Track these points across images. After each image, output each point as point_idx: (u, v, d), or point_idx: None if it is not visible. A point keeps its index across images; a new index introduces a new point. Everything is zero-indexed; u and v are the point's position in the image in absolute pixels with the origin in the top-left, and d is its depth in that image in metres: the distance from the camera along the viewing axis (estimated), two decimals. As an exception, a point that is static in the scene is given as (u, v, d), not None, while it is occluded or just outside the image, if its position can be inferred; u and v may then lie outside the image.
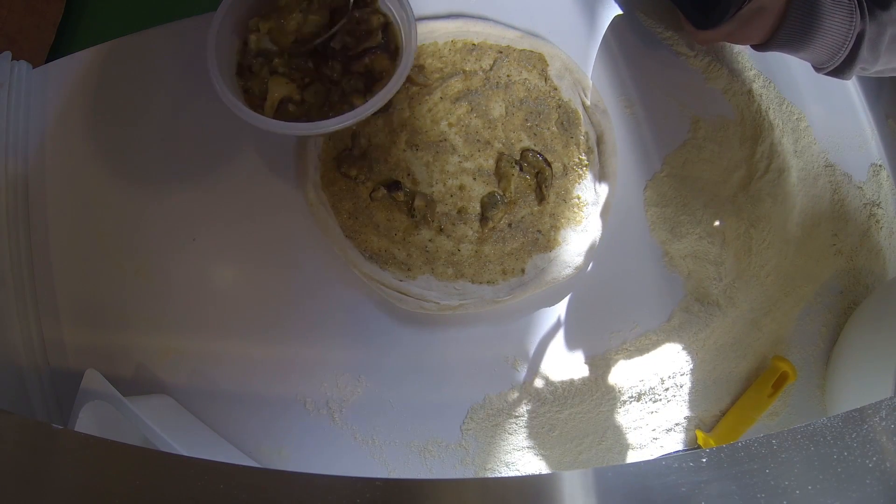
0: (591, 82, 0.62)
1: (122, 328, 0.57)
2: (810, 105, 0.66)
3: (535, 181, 0.59)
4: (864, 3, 0.52)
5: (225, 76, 0.52)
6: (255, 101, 0.55)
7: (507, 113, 0.61)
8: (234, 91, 0.53)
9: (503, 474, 0.55)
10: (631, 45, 0.65)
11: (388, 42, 0.56)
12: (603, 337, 0.58)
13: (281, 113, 0.54)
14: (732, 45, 0.65)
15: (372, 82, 0.55)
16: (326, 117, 0.51)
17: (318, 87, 0.55)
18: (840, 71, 0.55)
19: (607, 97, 0.62)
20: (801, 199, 0.63)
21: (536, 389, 0.57)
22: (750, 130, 0.63)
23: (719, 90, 0.65)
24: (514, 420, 0.56)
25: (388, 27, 0.56)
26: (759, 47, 0.57)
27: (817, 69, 0.57)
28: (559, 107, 0.61)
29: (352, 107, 0.53)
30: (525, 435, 0.56)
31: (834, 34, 0.52)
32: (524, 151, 0.60)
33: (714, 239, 0.60)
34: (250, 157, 0.61)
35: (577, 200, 0.60)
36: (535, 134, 0.61)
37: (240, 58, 0.56)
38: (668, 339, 0.58)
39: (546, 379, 0.57)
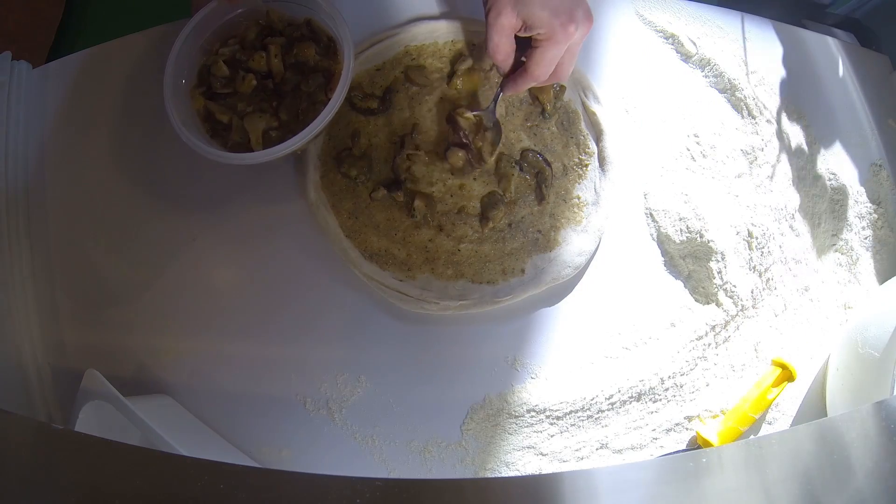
0: (591, 82, 0.62)
1: (122, 328, 0.57)
2: (810, 105, 0.66)
3: (535, 181, 0.59)
4: None
5: (188, 122, 0.55)
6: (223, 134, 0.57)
7: (507, 113, 0.61)
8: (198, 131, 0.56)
9: (503, 474, 0.55)
10: (631, 45, 0.65)
11: (317, 36, 0.58)
12: (603, 337, 0.58)
13: (266, 141, 0.56)
14: (732, 45, 0.65)
15: (328, 77, 0.57)
16: (305, 124, 0.52)
17: (287, 102, 0.56)
18: None
19: (607, 97, 0.62)
20: (802, 198, 0.63)
21: (536, 389, 0.56)
22: (750, 131, 0.63)
23: (720, 90, 0.65)
24: (514, 420, 0.56)
25: (309, 23, 0.58)
26: None
27: None
28: (559, 107, 0.61)
29: (320, 105, 0.55)
30: (525, 435, 0.56)
31: None
32: (524, 151, 0.60)
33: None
34: (250, 157, 0.60)
35: (577, 200, 0.60)
36: (534, 134, 0.61)
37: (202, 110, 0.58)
38: (668, 339, 0.58)
39: (546, 379, 0.57)
